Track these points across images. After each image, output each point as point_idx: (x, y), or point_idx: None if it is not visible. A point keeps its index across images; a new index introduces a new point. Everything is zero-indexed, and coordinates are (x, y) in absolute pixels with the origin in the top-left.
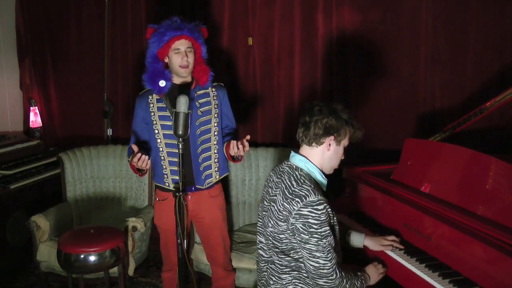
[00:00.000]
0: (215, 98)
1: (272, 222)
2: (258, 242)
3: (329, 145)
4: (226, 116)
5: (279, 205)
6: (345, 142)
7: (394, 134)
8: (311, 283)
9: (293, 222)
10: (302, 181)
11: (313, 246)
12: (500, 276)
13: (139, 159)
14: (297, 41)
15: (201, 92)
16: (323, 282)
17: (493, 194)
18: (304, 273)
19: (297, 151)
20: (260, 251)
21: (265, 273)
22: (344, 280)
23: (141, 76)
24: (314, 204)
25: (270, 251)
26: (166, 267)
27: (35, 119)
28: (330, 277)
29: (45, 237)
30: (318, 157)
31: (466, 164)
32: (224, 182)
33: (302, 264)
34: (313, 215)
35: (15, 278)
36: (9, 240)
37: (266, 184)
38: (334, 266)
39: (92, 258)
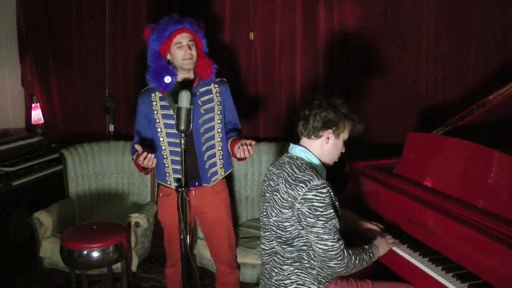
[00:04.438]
0: (217, 94)
1: (275, 211)
2: (261, 236)
3: (328, 138)
4: (229, 111)
5: (283, 193)
6: (344, 135)
7: (396, 128)
8: (314, 272)
9: (299, 207)
10: (304, 168)
11: (320, 229)
12: (503, 269)
13: (145, 158)
14: (299, 36)
15: (204, 89)
16: (333, 264)
17: (495, 187)
18: (306, 263)
19: (296, 143)
20: (262, 246)
21: (268, 266)
22: (353, 258)
23: (143, 72)
24: (318, 187)
25: (272, 242)
26: (169, 262)
27: (36, 115)
28: (339, 258)
29: (47, 234)
30: (318, 149)
31: (468, 157)
32: (227, 178)
33: (304, 254)
34: (318, 198)
35: (18, 274)
36: (11, 237)
37: (265, 179)
38: (341, 247)
39: (95, 254)
